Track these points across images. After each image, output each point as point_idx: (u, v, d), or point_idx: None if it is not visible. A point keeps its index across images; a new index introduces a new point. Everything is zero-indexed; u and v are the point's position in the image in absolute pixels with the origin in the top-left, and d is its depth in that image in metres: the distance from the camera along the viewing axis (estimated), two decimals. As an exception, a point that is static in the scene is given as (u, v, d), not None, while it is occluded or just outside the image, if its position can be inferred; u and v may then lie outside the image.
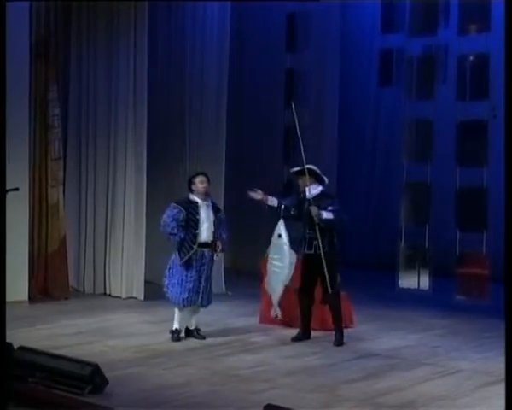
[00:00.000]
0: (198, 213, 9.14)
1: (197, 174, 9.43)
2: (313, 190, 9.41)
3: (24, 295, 11.14)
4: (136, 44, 12.12)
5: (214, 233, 9.22)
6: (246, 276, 13.73)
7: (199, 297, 9.20)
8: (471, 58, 12.64)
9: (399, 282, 12.43)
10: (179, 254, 9.16)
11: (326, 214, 9.19)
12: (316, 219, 9.14)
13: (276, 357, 8.67)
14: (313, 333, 9.89)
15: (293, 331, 9.91)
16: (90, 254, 12.55)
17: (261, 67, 14.74)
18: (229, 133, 13.31)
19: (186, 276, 9.09)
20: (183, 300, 9.14)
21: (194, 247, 9.09)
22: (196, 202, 9.18)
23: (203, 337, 9.34)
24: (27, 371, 6.81)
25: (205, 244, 9.16)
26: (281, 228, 9.26)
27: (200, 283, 9.15)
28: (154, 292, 12.27)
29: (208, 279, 9.30)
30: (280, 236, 9.24)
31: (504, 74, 5.10)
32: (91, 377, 6.72)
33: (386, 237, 15.05)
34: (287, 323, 10.32)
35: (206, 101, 13.15)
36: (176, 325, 9.27)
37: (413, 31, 13.27)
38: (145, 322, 10.42)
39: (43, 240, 11.87)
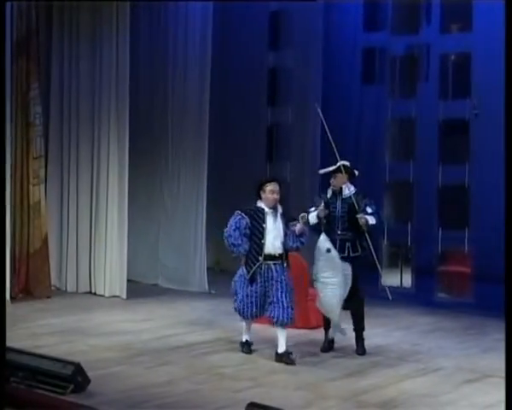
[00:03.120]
0: (264, 221, 8.20)
1: (269, 181, 8.39)
2: (348, 189, 8.77)
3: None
4: (118, 43, 12.09)
5: (284, 245, 8.26)
6: (229, 274, 13.67)
7: (269, 311, 8.27)
8: (453, 57, 12.71)
9: (382, 280, 12.44)
10: (245, 267, 8.33)
11: (371, 220, 8.54)
12: (364, 227, 8.47)
13: (260, 355, 8.65)
14: (296, 331, 9.88)
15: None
16: (73, 253, 12.50)
17: (244, 65, 14.74)
18: (212, 131, 13.29)
19: (250, 290, 8.27)
20: (251, 314, 8.38)
21: (260, 259, 8.19)
22: (263, 209, 8.25)
23: (293, 363, 8.18)
24: (9, 370, 6.75)
25: (272, 257, 8.21)
26: (326, 242, 8.37)
27: (267, 297, 8.24)
28: (136, 291, 12.28)
29: (282, 294, 8.20)
30: (329, 250, 8.34)
31: (504, 75, 5.07)
32: (73, 377, 6.67)
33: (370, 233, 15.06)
34: (270, 322, 10.32)
35: (189, 98, 13.16)
36: (245, 337, 8.67)
37: (396, 30, 13.33)
38: (128, 321, 10.38)
39: (25, 239, 11.80)
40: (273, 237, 8.18)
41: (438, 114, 12.73)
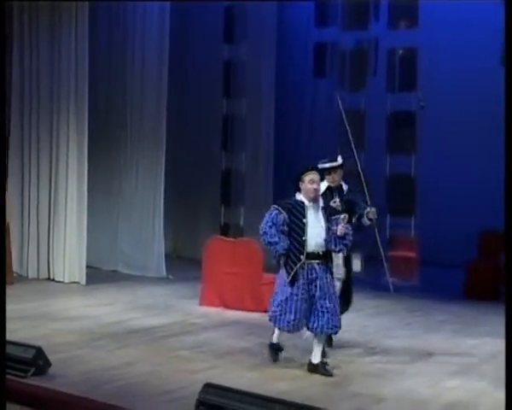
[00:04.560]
0: (304, 215, 7.10)
1: (308, 170, 7.26)
2: (344, 186, 8.09)
3: (-33, 281, 10.95)
4: (77, 41, 12.02)
5: (327, 243, 7.14)
6: (186, 261, 13.73)
7: (311, 322, 7.12)
8: (400, 52, 12.79)
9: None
10: (285, 268, 7.16)
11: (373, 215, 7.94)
12: (374, 221, 7.85)
13: (216, 338, 8.68)
14: (249, 315, 9.94)
15: (232, 314, 9.96)
16: (34, 240, 12.40)
17: (200, 59, 14.73)
18: (170, 122, 13.27)
19: (291, 294, 7.07)
20: (288, 323, 7.15)
21: (302, 257, 7.05)
22: (302, 203, 7.14)
23: (330, 374, 7.14)
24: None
25: (315, 255, 7.09)
26: None
27: (313, 304, 7.07)
28: (96, 277, 12.22)
29: (326, 300, 7.06)
30: None
31: (504, 75, 5.06)
32: (34, 360, 6.63)
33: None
34: (225, 305, 10.37)
35: (147, 91, 13.17)
36: (275, 340, 7.58)
37: (346, 25, 13.39)
38: (87, 306, 10.33)
39: (-15, 226, 11.66)
40: (315, 234, 7.07)
41: (386, 107, 12.84)
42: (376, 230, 7.91)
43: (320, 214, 7.14)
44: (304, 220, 7.05)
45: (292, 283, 7.06)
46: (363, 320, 9.86)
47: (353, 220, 7.85)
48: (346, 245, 7.18)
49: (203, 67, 14.66)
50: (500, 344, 8.60)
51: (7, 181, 6.84)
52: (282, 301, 7.11)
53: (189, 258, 13.55)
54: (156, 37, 13.06)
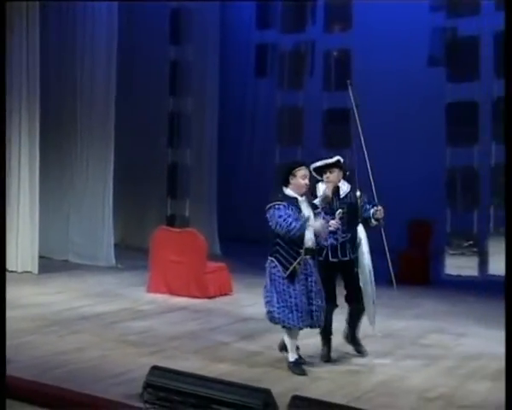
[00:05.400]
0: (300, 210, 6.71)
1: (299, 165, 6.87)
2: (344, 186, 7.35)
3: None
4: (28, 41, 11.84)
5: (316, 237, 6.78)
6: (134, 250, 13.66)
7: (313, 317, 6.73)
8: (335, 53, 12.88)
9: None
10: (281, 264, 6.70)
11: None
12: (381, 221, 7.26)
13: (162, 323, 8.68)
14: (194, 301, 9.96)
15: (178, 300, 9.96)
16: (-13, 231, 12.21)
17: (147, 58, 14.64)
18: (118, 119, 13.20)
19: (294, 290, 6.64)
20: (298, 320, 6.65)
21: (301, 252, 6.65)
22: (295, 198, 6.75)
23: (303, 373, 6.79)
24: None
25: (309, 250, 6.73)
26: (361, 234, 7.14)
27: (310, 298, 6.70)
28: (47, 266, 12.09)
29: (321, 294, 6.80)
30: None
31: (504, 75, 5.06)
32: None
33: (262, 213, 15.19)
34: (172, 292, 10.37)
35: (96, 90, 13.10)
36: (294, 356, 6.87)
37: (285, 28, 13.42)
38: (40, 294, 10.22)
39: None
40: (310, 228, 6.68)
41: (322, 105, 12.92)
42: (382, 230, 7.25)
43: (309, 209, 6.80)
44: (300, 215, 6.66)
45: (291, 279, 6.64)
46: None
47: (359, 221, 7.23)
48: (336, 240, 7.00)
49: (150, 67, 14.57)
50: (428, 325, 8.80)
51: (5, 180, 6.73)
52: (285, 299, 6.62)
53: (137, 247, 13.48)
54: (105, 36, 12.97)
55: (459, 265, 11.17)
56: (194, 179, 13.95)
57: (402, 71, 14.20)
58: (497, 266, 10.88)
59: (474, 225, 11.24)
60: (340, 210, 6.92)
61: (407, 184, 14.21)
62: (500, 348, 7.82)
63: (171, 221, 13.30)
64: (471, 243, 11.23)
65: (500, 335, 8.44)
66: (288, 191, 6.77)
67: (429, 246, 12.01)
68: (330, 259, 7.12)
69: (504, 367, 4.60)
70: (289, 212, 6.58)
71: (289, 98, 13.10)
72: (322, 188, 7.21)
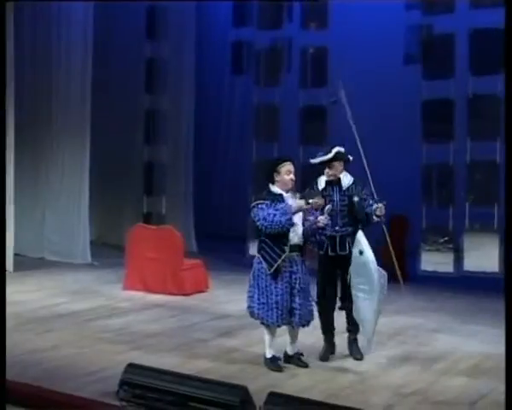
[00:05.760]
0: None
1: (283, 160, 6.76)
2: (346, 179, 7.15)
3: None
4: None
5: (303, 235, 6.68)
6: (110, 248, 13.60)
7: (295, 315, 6.63)
8: (311, 50, 12.93)
9: (250, 250, 12.58)
10: (265, 261, 6.61)
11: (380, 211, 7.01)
12: (382, 218, 7.02)
13: (139, 321, 8.64)
14: (171, 298, 9.93)
15: (154, 297, 9.93)
16: (-38, 230, 12.10)
17: (123, 56, 14.55)
18: (94, 117, 13.13)
19: (276, 288, 6.56)
20: (277, 318, 6.59)
21: (286, 249, 6.56)
22: (280, 194, 6.63)
23: (306, 365, 6.83)
24: None
25: (295, 247, 6.63)
26: (361, 241, 6.70)
27: (293, 296, 6.60)
28: (22, 264, 11.99)
29: (306, 292, 6.68)
30: (361, 253, 6.67)
31: (504, 74, 5.06)
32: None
33: (239, 210, 15.21)
34: (148, 289, 10.33)
35: (72, 87, 13.02)
36: (271, 352, 6.79)
37: (261, 25, 13.45)
38: (15, 292, 10.10)
39: None
40: (296, 225, 6.58)
41: (298, 102, 12.95)
42: (384, 227, 7.06)
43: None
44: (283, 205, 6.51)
45: (275, 276, 6.56)
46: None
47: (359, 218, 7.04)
48: (325, 235, 6.85)
49: (126, 64, 14.50)
50: (403, 322, 8.83)
51: (4, 179, 6.65)
52: (266, 296, 6.58)
53: (114, 245, 13.42)
54: (80, 34, 12.87)
55: (435, 261, 11.26)
56: (171, 177, 13.94)
57: (378, 68, 14.23)
58: (472, 263, 10.99)
59: (449, 222, 11.33)
60: (329, 206, 6.78)
61: (383, 180, 14.21)
62: (475, 344, 7.92)
63: (148, 218, 13.29)
64: (446, 239, 11.31)
65: (475, 330, 8.57)
66: (274, 188, 6.68)
67: (405, 242, 12.04)
68: (329, 253, 6.99)
69: (504, 366, 4.57)
70: (272, 211, 6.46)
71: (266, 95, 13.13)
72: (323, 181, 7.13)
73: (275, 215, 6.43)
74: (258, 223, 6.58)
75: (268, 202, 6.56)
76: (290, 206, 6.49)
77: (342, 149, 7.11)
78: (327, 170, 7.07)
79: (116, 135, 14.65)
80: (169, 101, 13.76)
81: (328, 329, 7.16)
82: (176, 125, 14.26)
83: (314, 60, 12.88)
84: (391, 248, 7.01)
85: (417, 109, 11.38)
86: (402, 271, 11.82)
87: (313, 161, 7.18)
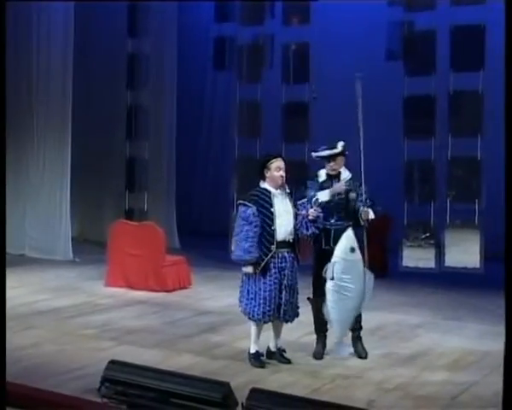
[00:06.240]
0: (272, 204, 6.61)
1: (273, 157, 6.75)
2: (345, 173, 7.17)
3: None
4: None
5: (297, 229, 6.69)
6: (92, 244, 13.55)
7: (281, 310, 6.68)
8: (293, 47, 12.91)
9: (232, 246, 12.57)
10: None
11: (371, 214, 6.95)
12: (365, 222, 6.93)
13: (121, 317, 8.61)
14: (153, 295, 9.90)
15: (136, 294, 9.90)
16: None
17: (105, 52, 14.50)
18: (76, 112, 13.08)
19: (264, 284, 6.61)
20: (263, 314, 6.65)
21: (273, 247, 6.59)
22: (269, 191, 6.65)
23: (288, 361, 6.85)
24: None
25: (284, 243, 6.65)
26: (353, 239, 6.71)
27: (280, 292, 6.64)
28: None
29: (293, 289, 6.73)
30: (353, 250, 6.67)
31: (505, 74, 5.03)
32: None
33: (221, 206, 15.18)
34: (130, 286, 10.29)
35: (53, 84, 12.99)
36: (255, 348, 6.81)
37: (243, 21, 13.41)
38: (-4, 289, 10.07)
39: None
40: (285, 222, 6.61)
41: (281, 98, 12.92)
42: (365, 231, 6.92)
43: (287, 201, 6.69)
44: (272, 210, 6.57)
45: (263, 273, 6.59)
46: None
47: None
48: (317, 228, 6.74)
49: (107, 60, 14.44)
50: (385, 317, 8.85)
51: (5, 178, 6.59)
52: (255, 292, 6.64)
53: (95, 241, 13.37)
54: (61, 31, 12.84)
55: (416, 257, 11.28)
56: (153, 173, 13.88)
57: (360, 64, 14.21)
58: (453, 258, 11.02)
59: (431, 218, 11.35)
60: (317, 198, 6.80)
61: (365, 176, 14.25)
62: (456, 340, 7.96)
63: (130, 214, 13.22)
64: (428, 235, 11.33)
65: (456, 325, 8.60)
66: (264, 185, 6.69)
67: (387, 238, 12.06)
68: (323, 246, 6.94)
69: (503, 363, 4.56)
70: (248, 216, 6.54)
71: (248, 91, 13.08)
72: (323, 174, 7.12)
73: (240, 249, 6.58)
74: (235, 224, 6.72)
75: (246, 201, 6.63)
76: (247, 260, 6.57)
77: (343, 143, 7.16)
78: (331, 163, 7.05)
79: (98, 131, 14.59)
80: (151, 97, 13.69)
81: (320, 329, 7.11)
82: (158, 121, 14.20)
83: (296, 56, 12.86)
84: (365, 257, 6.85)
85: (399, 105, 11.38)
86: (383, 267, 11.96)
87: (318, 154, 7.13)
